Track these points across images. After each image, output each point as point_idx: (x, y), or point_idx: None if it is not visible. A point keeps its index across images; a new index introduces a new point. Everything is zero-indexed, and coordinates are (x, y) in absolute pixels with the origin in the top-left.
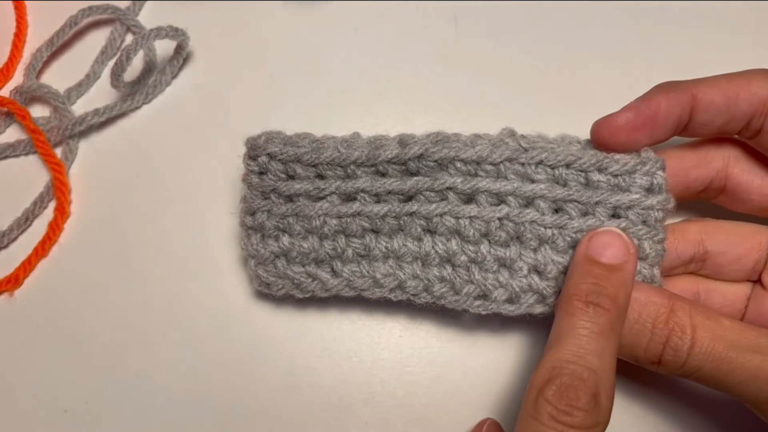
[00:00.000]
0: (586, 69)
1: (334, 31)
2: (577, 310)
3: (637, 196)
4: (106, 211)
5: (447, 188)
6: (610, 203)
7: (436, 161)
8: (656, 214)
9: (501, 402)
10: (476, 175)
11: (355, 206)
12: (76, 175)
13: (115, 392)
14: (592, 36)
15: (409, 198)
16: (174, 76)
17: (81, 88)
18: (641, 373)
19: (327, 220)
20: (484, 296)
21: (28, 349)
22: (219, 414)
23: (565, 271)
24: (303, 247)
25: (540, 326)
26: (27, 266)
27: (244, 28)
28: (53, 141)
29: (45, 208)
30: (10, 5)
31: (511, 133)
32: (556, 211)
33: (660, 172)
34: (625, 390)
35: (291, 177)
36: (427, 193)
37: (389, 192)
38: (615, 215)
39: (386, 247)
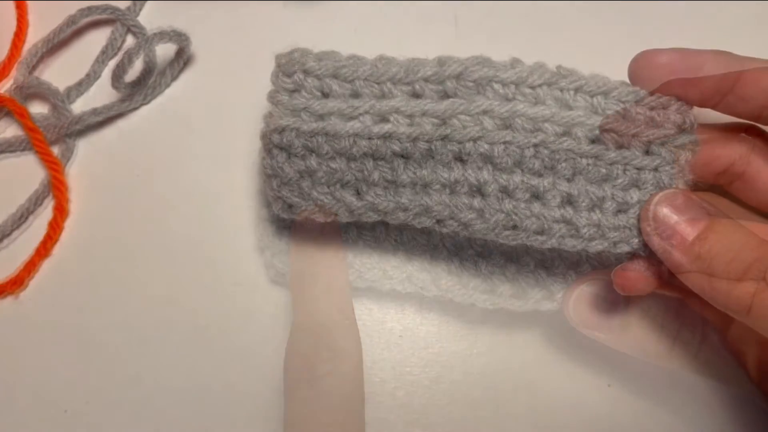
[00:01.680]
0: (586, 69)
1: (334, 31)
2: None
3: (671, 131)
4: (106, 211)
5: (483, 111)
6: (645, 136)
7: (474, 81)
8: (686, 154)
9: (501, 402)
10: (514, 99)
11: (387, 127)
12: (75, 174)
13: (116, 392)
14: (592, 36)
15: (443, 122)
16: (174, 79)
17: (81, 87)
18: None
19: (357, 141)
20: (513, 227)
21: (28, 349)
22: (219, 414)
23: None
24: (330, 167)
25: (541, 326)
26: (30, 267)
27: (244, 28)
28: (51, 139)
29: (42, 206)
30: (11, 5)
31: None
32: (592, 141)
33: (692, 112)
34: (632, 387)
35: (325, 95)
36: (462, 117)
37: (423, 113)
38: (648, 152)
39: (414, 173)
